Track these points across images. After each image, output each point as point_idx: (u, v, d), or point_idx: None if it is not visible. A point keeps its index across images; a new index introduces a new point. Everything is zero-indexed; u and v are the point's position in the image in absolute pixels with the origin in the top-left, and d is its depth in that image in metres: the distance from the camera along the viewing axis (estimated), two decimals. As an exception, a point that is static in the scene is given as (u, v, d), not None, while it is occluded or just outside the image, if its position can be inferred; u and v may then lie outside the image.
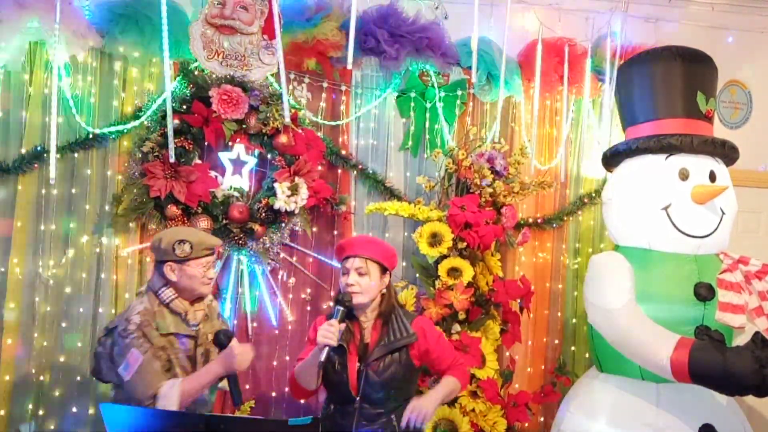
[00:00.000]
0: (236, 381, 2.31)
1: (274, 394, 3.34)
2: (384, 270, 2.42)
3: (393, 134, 3.54)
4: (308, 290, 3.41)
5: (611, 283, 2.84)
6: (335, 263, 3.44)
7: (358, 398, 2.32)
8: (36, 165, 3.07)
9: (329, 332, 2.19)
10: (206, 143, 3.18)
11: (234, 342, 2.31)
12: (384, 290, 2.43)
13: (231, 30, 3.15)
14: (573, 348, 3.72)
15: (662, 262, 2.87)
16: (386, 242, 2.63)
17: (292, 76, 3.32)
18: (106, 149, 3.18)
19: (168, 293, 2.36)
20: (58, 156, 2.98)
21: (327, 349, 2.19)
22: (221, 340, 2.30)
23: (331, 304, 2.46)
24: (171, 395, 2.19)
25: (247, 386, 3.29)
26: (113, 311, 3.16)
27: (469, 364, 2.98)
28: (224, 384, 2.41)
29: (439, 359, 2.45)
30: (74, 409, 3.13)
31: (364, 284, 2.36)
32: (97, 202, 3.18)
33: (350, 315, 2.38)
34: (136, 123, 3.15)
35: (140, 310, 2.31)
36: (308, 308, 3.41)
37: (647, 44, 3.57)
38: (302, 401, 3.31)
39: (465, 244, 3.09)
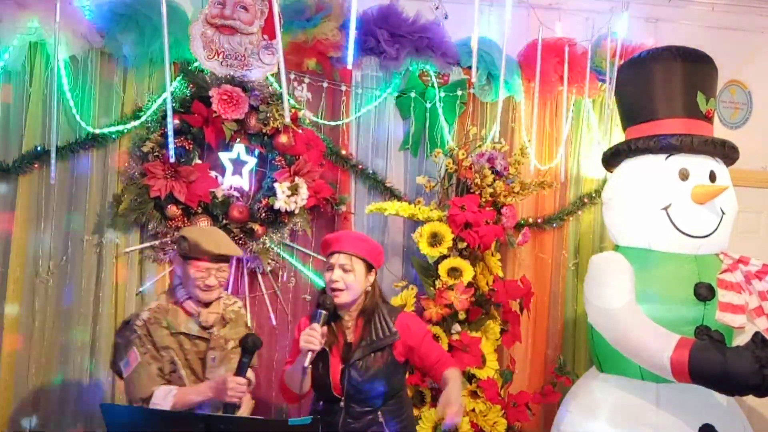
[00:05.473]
0: (232, 410, 2.23)
1: (274, 394, 3.33)
2: (369, 268, 2.40)
3: (393, 134, 3.53)
4: (308, 290, 3.41)
5: (611, 283, 2.84)
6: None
7: (342, 398, 2.32)
8: (36, 165, 3.07)
9: (312, 336, 2.20)
10: (206, 143, 3.18)
11: (231, 377, 2.22)
12: (368, 288, 2.40)
13: (231, 30, 3.15)
14: (573, 348, 3.72)
15: (662, 262, 2.86)
16: (373, 239, 2.58)
17: (292, 76, 3.32)
18: (106, 149, 3.18)
19: (182, 292, 2.39)
20: (59, 156, 2.98)
21: (310, 353, 2.20)
22: (248, 344, 2.26)
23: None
24: (164, 405, 2.22)
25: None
26: (113, 311, 3.16)
27: (469, 364, 2.99)
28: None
29: (426, 354, 2.39)
30: (74, 410, 3.13)
31: (348, 281, 2.33)
32: (97, 202, 3.18)
33: (334, 316, 2.36)
34: (136, 123, 3.15)
35: (152, 306, 2.36)
36: (308, 308, 3.41)
37: (647, 44, 3.57)
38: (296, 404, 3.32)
39: (465, 244, 3.09)
